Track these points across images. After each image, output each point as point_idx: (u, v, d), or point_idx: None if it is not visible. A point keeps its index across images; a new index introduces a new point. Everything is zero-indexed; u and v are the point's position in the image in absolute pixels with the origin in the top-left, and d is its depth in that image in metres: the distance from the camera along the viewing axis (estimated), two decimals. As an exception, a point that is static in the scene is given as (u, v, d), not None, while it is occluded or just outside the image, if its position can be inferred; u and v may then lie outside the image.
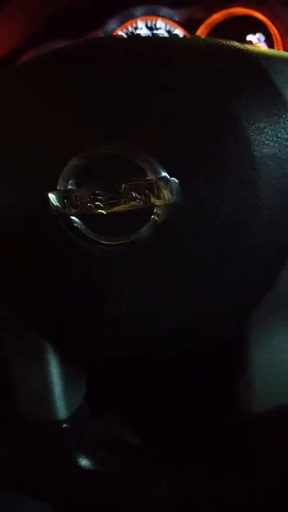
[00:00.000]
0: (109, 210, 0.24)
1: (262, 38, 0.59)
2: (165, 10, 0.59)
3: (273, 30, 0.59)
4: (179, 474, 0.33)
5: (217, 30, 0.60)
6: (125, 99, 0.25)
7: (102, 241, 0.25)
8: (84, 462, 0.32)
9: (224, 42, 0.26)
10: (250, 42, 0.61)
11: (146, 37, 0.25)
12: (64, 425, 0.31)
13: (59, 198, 0.24)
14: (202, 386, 0.39)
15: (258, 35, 0.58)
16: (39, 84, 0.26)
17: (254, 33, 0.58)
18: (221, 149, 0.24)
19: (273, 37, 0.59)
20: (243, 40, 0.61)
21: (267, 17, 0.58)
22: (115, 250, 0.25)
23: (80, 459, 0.32)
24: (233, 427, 0.33)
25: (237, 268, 0.26)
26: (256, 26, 0.59)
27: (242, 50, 0.26)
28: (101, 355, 0.31)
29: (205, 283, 0.26)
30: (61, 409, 0.31)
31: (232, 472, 0.32)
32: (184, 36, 0.59)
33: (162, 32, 0.61)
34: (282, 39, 0.60)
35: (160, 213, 0.24)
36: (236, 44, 0.26)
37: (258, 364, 0.29)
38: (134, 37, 0.26)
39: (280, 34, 0.60)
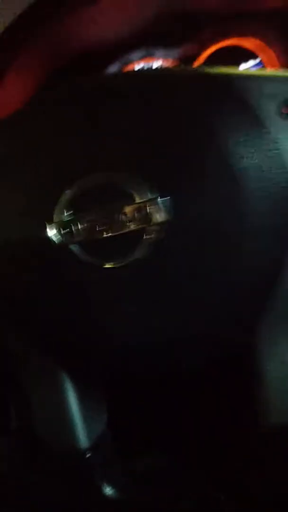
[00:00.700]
0: (104, 235, 0.26)
1: (254, 64, 0.62)
2: (161, 51, 0.63)
3: (266, 55, 0.61)
4: (201, 497, 0.32)
5: (212, 63, 0.63)
6: (110, 131, 0.27)
7: (101, 265, 0.26)
8: (107, 490, 0.31)
9: (198, 69, 0.28)
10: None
11: (125, 73, 0.27)
12: (87, 455, 0.31)
13: (56, 228, 0.26)
14: (217, 400, 0.39)
15: (250, 61, 0.61)
16: (34, 120, 0.28)
17: (246, 61, 0.61)
18: (203, 166, 0.25)
19: (265, 62, 0.61)
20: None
21: (258, 45, 0.60)
22: (115, 272, 0.26)
23: (104, 487, 0.32)
24: (250, 440, 0.32)
25: (235, 276, 0.26)
26: (248, 54, 0.61)
27: (214, 74, 0.27)
28: (116, 376, 0.32)
29: (207, 295, 0.27)
30: (82, 437, 0.31)
31: (252, 485, 0.31)
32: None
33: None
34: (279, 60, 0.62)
35: (152, 232, 0.25)
36: (209, 69, 0.28)
37: (272, 374, 0.29)
38: (114, 74, 0.28)
39: (277, 56, 0.62)
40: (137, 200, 0.25)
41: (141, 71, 0.27)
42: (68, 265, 0.27)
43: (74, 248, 0.26)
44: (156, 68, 0.54)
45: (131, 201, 0.25)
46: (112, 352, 0.29)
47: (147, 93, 0.27)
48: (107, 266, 0.26)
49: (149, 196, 0.25)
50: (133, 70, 0.25)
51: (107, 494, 0.31)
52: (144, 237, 0.26)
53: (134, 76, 0.29)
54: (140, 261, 0.26)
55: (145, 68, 0.64)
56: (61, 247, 0.26)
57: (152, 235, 0.26)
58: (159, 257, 0.26)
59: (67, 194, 0.26)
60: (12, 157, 0.28)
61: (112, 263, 0.26)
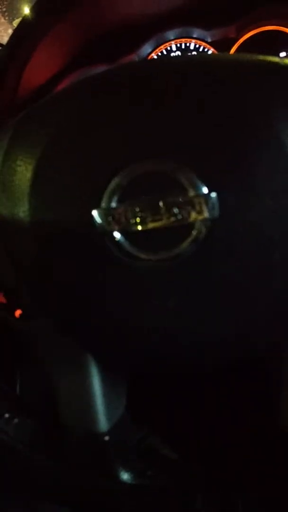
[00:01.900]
0: (151, 226, 0.25)
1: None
2: (198, 32, 0.61)
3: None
4: (216, 488, 0.32)
5: (249, 49, 0.61)
6: (164, 118, 0.26)
7: (144, 257, 0.26)
8: (124, 475, 0.32)
9: (263, 57, 0.27)
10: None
11: (182, 56, 0.26)
12: (105, 438, 0.32)
13: (102, 216, 0.25)
14: (241, 400, 0.39)
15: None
16: (85, 106, 0.27)
17: (286, 49, 0.59)
18: (260, 162, 0.25)
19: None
20: (277, 56, 0.61)
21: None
22: (156, 265, 0.26)
23: (121, 472, 0.32)
24: (273, 442, 0.32)
25: (279, 278, 0.26)
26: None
27: (273, 62, 0.26)
28: (141, 368, 0.31)
29: (246, 296, 0.27)
30: (103, 421, 0.31)
31: (271, 486, 0.31)
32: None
33: (194, 54, 0.63)
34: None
35: (200, 228, 0.25)
36: (276, 59, 0.27)
37: None
38: (168, 57, 0.27)
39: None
40: (190, 193, 0.25)
41: (196, 55, 0.25)
42: (108, 253, 0.26)
43: (117, 236, 0.26)
44: (210, 54, 0.52)
45: (183, 193, 0.25)
46: (141, 341, 0.29)
47: (204, 80, 0.26)
48: (148, 258, 0.26)
49: (202, 190, 0.25)
50: (190, 54, 0.24)
51: (123, 478, 0.32)
52: (192, 232, 0.25)
53: (190, 61, 0.28)
54: (183, 256, 0.25)
55: (182, 46, 0.62)
56: (105, 234, 0.26)
57: (200, 231, 0.25)
58: (203, 254, 0.25)
59: (116, 180, 0.25)
60: (62, 137, 0.27)
61: (154, 255, 0.26)
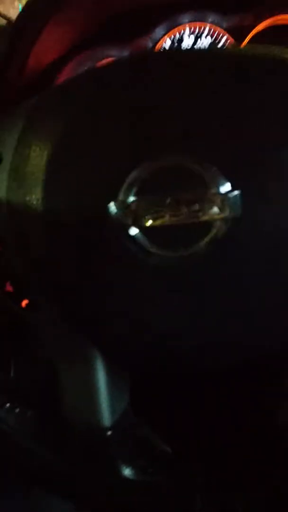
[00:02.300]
0: (169, 222, 0.24)
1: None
2: (213, 16, 0.59)
3: None
4: (216, 488, 0.32)
5: (265, 38, 0.60)
6: (188, 112, 0.25)
7: (160, 253, 0.25)
8: (126, 471, 0.32)
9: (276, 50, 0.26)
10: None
11: (205, 50, 0.25)
12: (108, 433, 0.31)
13: (119, 208, 0.24)
14: (242, 400, 0.39)
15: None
16: (107, 94, 0.26)
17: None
18: (285, 163, 0.24)
19: None
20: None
21: None
22: (172, 262, 0.25)
23: (122, 468, 0.32)
24: (273, 442, 0.32)
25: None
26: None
27: None
28: (148, 365, 0.31)
29: (261, 298, 0.26)
30: (106, 416, 0.31)
31: (269, 488, 0.31)
32: (233, 46, 0.59)
33: (208, 40, 0.61)
34: None
35: (221, 227, 0.24)
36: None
37: None
38: (192, 50, 0.26)
39: None
40: (212, 190, 0.24)
41: (219, 48, 0.24)
42: (122, 246, 0.25)
43: (132, 230, 0.25)
44: (236, 47, 0.51)
45: (205, 190, 0.24)
46: (150, 338, 0.29)
47: (229, 74, 0.25)
48: (163, 254, 0.25)
49: (225, 188, 0.24)
50: (214, 48, 0.22)
51: (124, 474, 0.32)
52: (211, 230, 0.24)
53: (215, 54, 0.26)
54: (200, 254, 0.25)
55: (196, 31, 0.60)
56: (120, 227, 0.25)
57: (220, 230, 0.24)
58: (221, 254, 0.25)
59: (136, 173, 0.24)
60: (81, 126, 0.26)
61: (171, 252, 0.25)
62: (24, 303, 0.29)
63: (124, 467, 0.32)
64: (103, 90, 0.26)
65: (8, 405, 0.33)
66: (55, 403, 0.32)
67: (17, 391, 0.36)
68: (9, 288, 0.29)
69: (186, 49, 0.57)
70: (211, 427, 0.38)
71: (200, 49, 0.42)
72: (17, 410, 0.33)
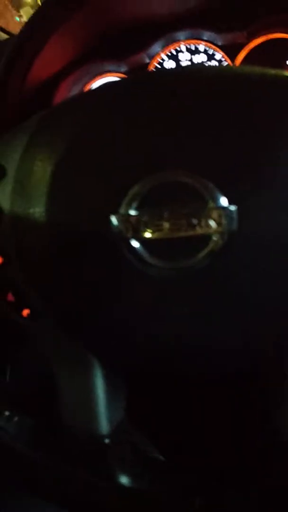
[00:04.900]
0: (168, 235, 0.25)
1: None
2: (208, 34, 0.61)
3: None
4: (214, 492, 0.33)
5: (258, 55, 0.61)
6: (184, 129, 0.26)
7: (159, 264, 0.26)
8: (123, 479, 0.32)
9: (276, 72, 0.27)
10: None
11: (201, 68, 0.26)
12: (106, 440, 0.32)
13: (120, 221, 0.25)
14: (241, 404, 0.39)
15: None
16: (110, 111, 0.27)
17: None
18: (280, 177, 0.25)
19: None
20: (284, 64, 0.62)
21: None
22: (170, 274, 0.26)
23: (119, 475, 0.32)
24: (272, 450, 0.33)
25: None
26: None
27: None
28: (146, 373, 0.32)
29: (257, 309, 0.27)
30: (104, 424, 0.32)
31: (268, 492, 0.32)
32: (227, 64, 0.60)
33: (202, 56, 0.63)
34: None
35: (218, 240, 0.25)
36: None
37: None
38: (189, 68, 0.27)
39: None
40: (210, 205, 0.25)
41: (219, 67, 0.25)
42: (123, 259, 0.26)
43: (133, 242, 0.26)
44: (234, 66, 0.52)
45: (203, 205, 0.25)
46: (148, 348, 0.29)
47: (229, 93, 0.26)
48: (162, 266, 0.26)
49: (222, 202, 0.25)
50: (214, 67, 0.24)
51: (121, 482, 0.32)
52: (209, 243, 0.25)
53: (217, 72, 0.28)
54: (198, 266, 0.26)
55: (191, 48, 0.62)
56: (121, 239, 0.26)
57: (217, 243, 0.25)
58: (218, 266, 0.25)
59: (137, 187, 0.25)
60: (84, 141, 0.27)
61: (170, 264, 0.26)
62: (25, 312, 0.30)
63: (121, 475, 0.32)
64: (103, 109, 0.27)
65: (7, 413, 0.33)
66: (53, 410, 0.32)
67: (14, 398, 0.36)
68: (10, 298, 0.30)
69: (183, 67, 0.59)
70: (207, 430, 0.38)
71: (194, 67, 0.44)
72: (15, 418, 0.33)
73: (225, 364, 0.29)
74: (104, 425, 0.32)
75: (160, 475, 0.33)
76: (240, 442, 0.36)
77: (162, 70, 0.58)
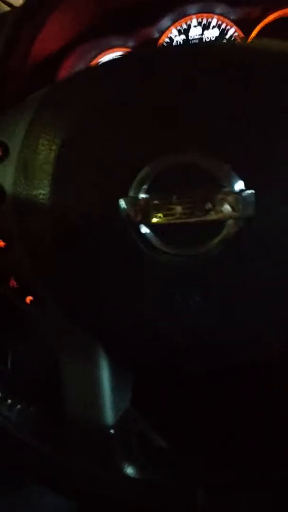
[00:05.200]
0: (181, 221, 0.23)
1: None
2: (221, 8, 0.58)
3: None
4: (219, 483, 0.32)
5: (272, 31, 0.59)
6: (202, 109, 0.24)
7: (170, 251, 0.24)
8: (127, 469, 0.31)
9: None
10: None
11: (218, 44, 0.24)
12: (110, 431, 0.31)
13: (130, 205, 0.24)
14: (244, 396, 0.38)
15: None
16: (118, 88, 0.25)
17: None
18: None
19: None
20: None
21: None
22: (181, 260, 0.25)
23: (124, 466, 0.31)
24: (276, 438, 0.32)
25: None
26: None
27: None
28: (155, 362, 0.31)
29: (270, 299, 0.26)
30: (109, 414, 0.31)
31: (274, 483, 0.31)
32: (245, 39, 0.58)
33: (214, 31, 0.60)
34: None
35: (232, 226, 0.23)
36: None
37: None
38: (202, 45, 0.25)
39: None
40: (225, 189, 0.23)
41: (236, 44, 0.23)
42: (131, 244, 0.25)
43: (143, 227, 0.24)
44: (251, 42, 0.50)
45: (218, 189, 0.23)
46: (155, 335, 0.28)
47: (247, 70, 0.24)
48: (173, 252, 0.25)
49: (238, 186, 0.23)
50: (230, 43, 0.22)
51: (126, 472, 0.31)
52: (223, 230, 0.24)
53: (229, 49, 0.26)
54: (210, 253, 0.24)
55: (202, 22, 0.59)
56: (130, 224, 0.24)
57: (232, 230, 0.24)
58: (232, 253, 0.24)
59: (147, 169, 0.24)
60: (92, 120, 0.25)
61: (180, 251, 0.24)
62: (28, 299, 0.29)
63: (126, 465, 0.31)
64: (113, 86, 0.25)
65: (9, 401, 0.32)
66: (57, 398, 0.31)
67: (17, 385, 0.35)
68: (13, 283, 0.28)
69: (196, 43, 0.56)
70: (213, 422, 0.38)
71: (209, 44, 0.42)
72: (18, 406, 0.32)
73: (238, 355, 0.28)
74: (109, 415, 0.31)
75: (164, 467, 0.33)
76: (241, 438, 0.36)
77: (169, 47, 0.55)
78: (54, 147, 0.25)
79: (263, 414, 0.36)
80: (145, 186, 0.24)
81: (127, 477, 0.31)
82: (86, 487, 0.31)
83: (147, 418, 0.34)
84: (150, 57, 0.26)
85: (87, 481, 0.31)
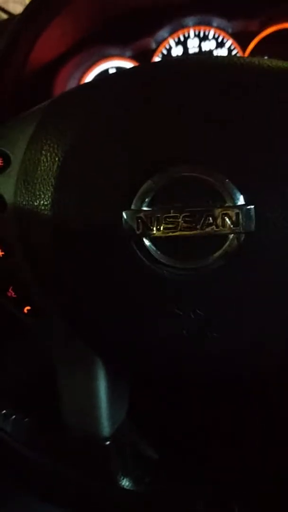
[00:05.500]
0: (183, 234, 0.24)
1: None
2: (218, 21, 0.58)
3: None
4: (216, 494, 0.32)
5: (269, 45, 0.59)
6: (205, 124, 0.24)
7: (171, 264, 0.25)
8: (123, 481, 0.31)
9: None
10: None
11: (221, 59, 0.24)
12: (107, 442, 0.31)
13: (132, 218, 0.24)
14: (242, 405, 0.38)
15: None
16: (123, 102, 0.25)
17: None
18: None
19: None
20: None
21: None
22: (182, 274, 0.25)
23: (120, 478, 0.31)
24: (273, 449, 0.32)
25: None
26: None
27: None
28: (155, 373, 0.31)
29: (269, 312, 0.26)
30: (106, 426, 0.31)
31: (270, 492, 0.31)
32: (248, 57, 0.58)
33: (212, 44, 0.61)
34: None
35: (234, 241, 0.24)
36: None
37: None
38: (209, 58, 0.25)
39: None
40: (227, 203, 0.23)
41: (236, 57, 0.24)
42: (133, 256, 0.25)
43: (145, 240, 0.24)
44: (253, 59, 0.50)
45: (219, 203, 0.23)
46: (154, 347, 0.28)
47: (248, 87, 0.25)
48: (175, 266, 0.25)
49: (240, 201, 0.23)
50: (233, 57, 0.22)
51: (122, 484, 0.31)
52: (224, 244, 0.24)
53: (237, 65, 0.26)
54: (211, 267, 0.24)
55: (200, 34, 0.59)
56: (132, 236, 0.24)
57: (233, 244, 0.24)
58: (232, 267, 0.24)
59: (150, 182, 0.24)
60: (94, 131, 0.25)
61: (182, 265, 0.24)
62: (26, 309, 0.29)
63: (122, 478, 0.31)
64: (116, 99, 0.25)
65: (4, 411, 0.32)
66: (53, 409, 0.31)
67: (12, 395, 0.35)
68: (11, 293, 0.28)
69: (193, 56, 0.56)
70: (210, 433, 0.38)
71: (205, 57, 0.42)
72: (13, 417, 0.32)
73: (239, 365, 0.28)
74: (105, 427, 0.31)
75: (161, 478, 0.33)
76: (241, 438, 0.36)
77: (168, 61, 0.56)
78: (56, 159, 0.25)
79: (263, 414, 0.36)
80: (147, 199, 0.24)
81: (123, 489, 0.31)
82: (82, 499, 0.31)
83: (145, 425, 0.34)
84: (150, 71, 0.26)
85: (83, 493, 0.30)
